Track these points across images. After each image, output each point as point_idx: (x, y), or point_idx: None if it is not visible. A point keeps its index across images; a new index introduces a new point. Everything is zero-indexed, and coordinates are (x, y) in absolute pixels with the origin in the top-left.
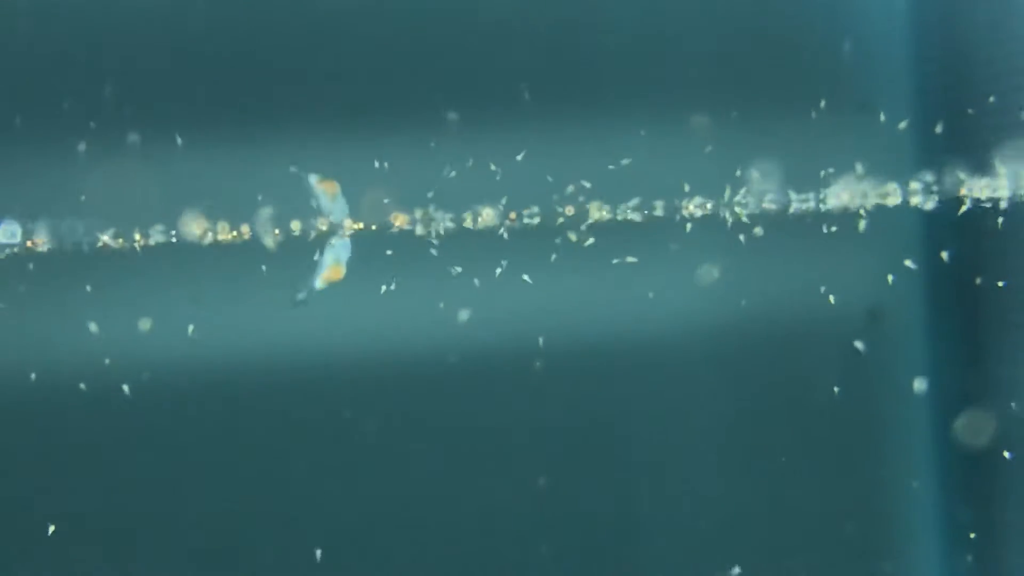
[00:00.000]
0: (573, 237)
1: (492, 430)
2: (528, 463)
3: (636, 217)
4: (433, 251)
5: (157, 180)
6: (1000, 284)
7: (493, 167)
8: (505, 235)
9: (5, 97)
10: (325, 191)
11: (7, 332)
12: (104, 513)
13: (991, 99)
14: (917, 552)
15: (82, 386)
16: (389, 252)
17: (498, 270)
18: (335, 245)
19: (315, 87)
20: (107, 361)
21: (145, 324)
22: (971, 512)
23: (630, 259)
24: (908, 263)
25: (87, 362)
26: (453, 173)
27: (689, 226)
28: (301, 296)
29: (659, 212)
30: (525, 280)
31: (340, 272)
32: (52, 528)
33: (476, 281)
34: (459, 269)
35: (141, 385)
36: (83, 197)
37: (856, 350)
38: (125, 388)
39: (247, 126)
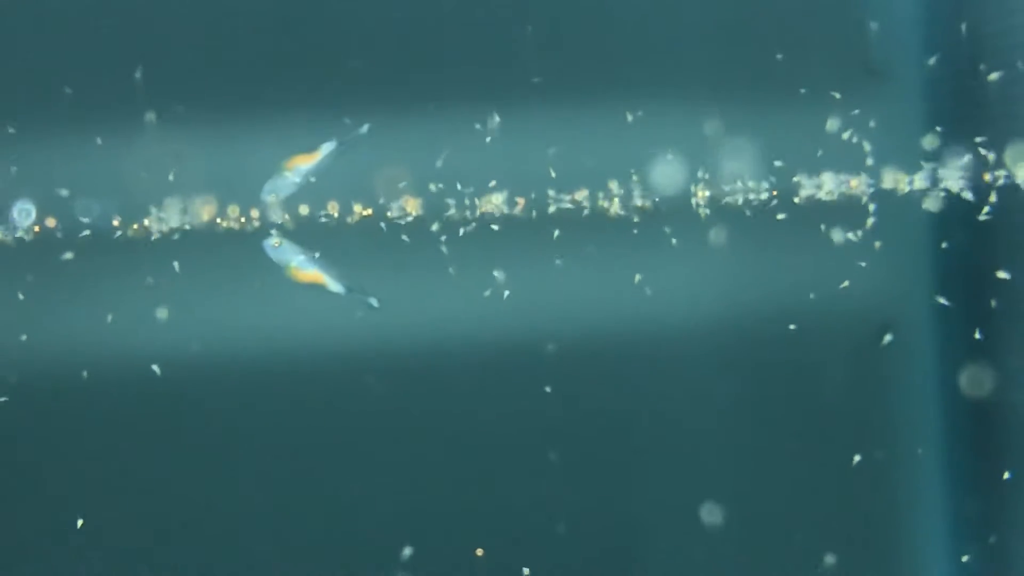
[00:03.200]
0: (584, 226)
1: (500, 420)
2: (534, 454)
3: (646, 205)
4: (440, 238)
5: (170, 164)
6: (1011, 274)
7: (502, 155)
8: (515, 223)
9: (20, 81)
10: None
11: (29, 317)
12: (128, 506)
13: (1003, 89)
14: (925, 543)
15: (84, 374)
16: (399, 238)
17: (508, 258)
18: (279, 247)
19: (322, 76)
20: (124, 348)
21: (162, 312)
22: (980, 504)
23: (640, 248)
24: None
25: (110, 349)
26: (462, 160)
27: (700, 215)
28: (373, 301)
29: (668, 201)
30: (536, 269)
31: (315, 276)
32: (80, 522)
33: (486, 269)
34: (468, 256)
35: (162, 373)
36: (98, 179)
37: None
38: (148, 374)
39: (260, 111)
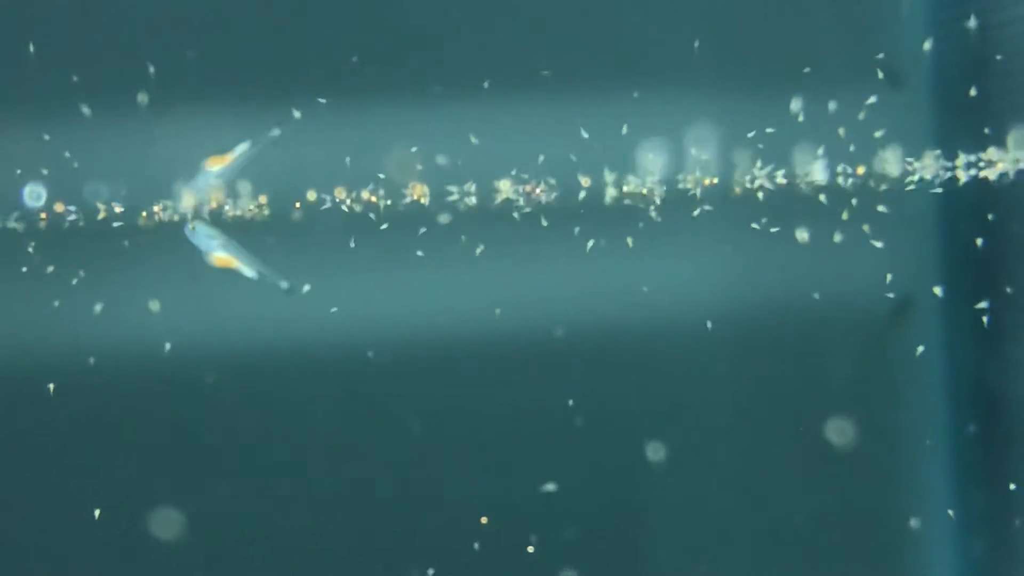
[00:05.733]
0: (592, 215)
1: (505, 411)
2: (541, 438)
3: (657, 195)
4: (447, 228)
5: (168, 152)
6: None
7: (510, 146)
8: (522, 213)
9: (33, 68)
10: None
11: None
12: (146, 496)
13: (1012, 76)
14: (932, 535)
15: (91, 360)
16: (405, 227)
17: (518, 247)
18: (194, 231)
19: (329, 63)
20: (128, 338)
21: (154, 305)
22: (987, 497)
23: (647, 239)
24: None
25: (116, 337)
26: (470, 150)
27: (708, 206)
28: (283, 284)
29: (674, 192)
30: (546, 259)
31: (227, 260)
32: (98, 512)
33: (493, 258)
34: (466, 240)
35: (172, 361)
36: (104, 163)
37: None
38: (158, 362)
39: (263, 96)
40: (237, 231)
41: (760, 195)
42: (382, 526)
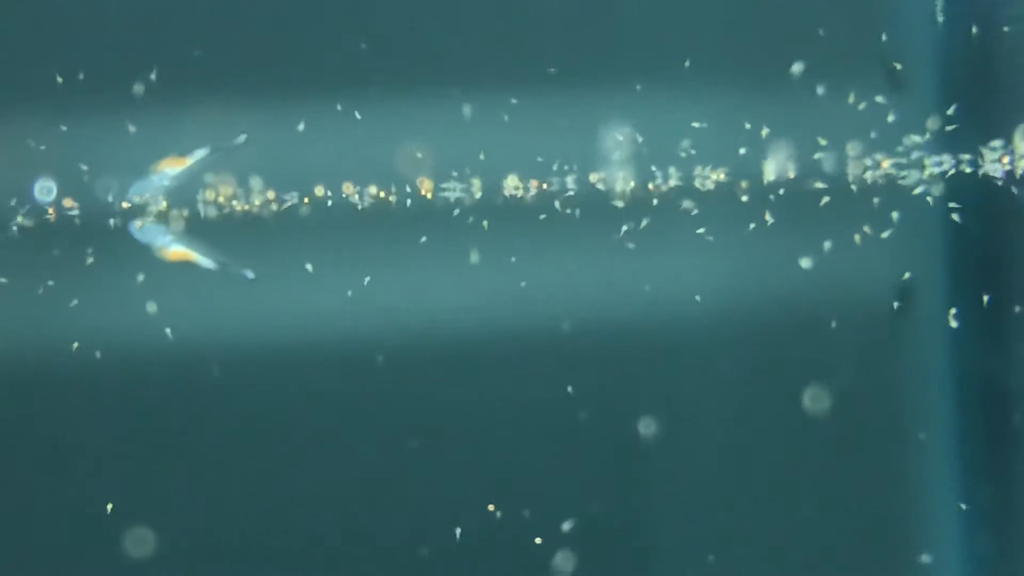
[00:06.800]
0: (599, 211)
1: (510, 404)
2: (544, 434)
3: (661, 192)
4: (454, 223)
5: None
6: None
7: (513, 139)
8: (529, 209)
9: (43, 64)
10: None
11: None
12: (158, 489)
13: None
14: (939, 532)
15: (98, 354)
16: (407, 224)
17: (522, 244)
18: (142, 229)
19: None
20: (132, 332)
21: (157, 300)
22: (992, 490)
23: (651, 237)
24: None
25: (125, 331)
26: (482, 152)
27: (711, 203)
28: (248, 273)
29: (684, 187)
30: (552, 256)
31: (183, 254)
32: (110, 507)
33: (503, 254)
34: (482, 241)
35: (181, 354)
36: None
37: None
38: (166, 356)
39: (272, 93)
40: (245, 226)
41: (766, 191)
42: (387, 518)
